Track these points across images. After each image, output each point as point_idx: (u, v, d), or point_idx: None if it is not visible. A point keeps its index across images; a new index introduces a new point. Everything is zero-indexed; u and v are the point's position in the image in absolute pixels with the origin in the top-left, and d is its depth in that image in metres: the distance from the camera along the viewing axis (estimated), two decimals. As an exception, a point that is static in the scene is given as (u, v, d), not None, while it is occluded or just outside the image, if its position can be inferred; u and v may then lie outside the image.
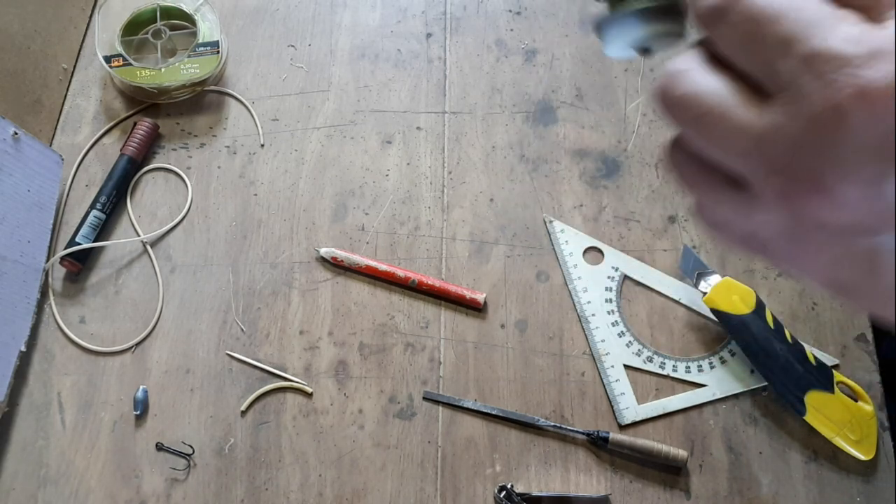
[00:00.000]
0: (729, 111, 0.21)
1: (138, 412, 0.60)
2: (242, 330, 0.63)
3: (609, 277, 0.64)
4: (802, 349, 0.58)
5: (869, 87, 0.18)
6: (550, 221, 0.67)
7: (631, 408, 0.60)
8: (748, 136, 0.20)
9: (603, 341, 0.62)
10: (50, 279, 0.65)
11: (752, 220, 0.22)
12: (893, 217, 0.19)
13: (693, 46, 0.24)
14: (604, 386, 0.61)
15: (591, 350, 0.62)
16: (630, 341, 0.62)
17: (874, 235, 0.20)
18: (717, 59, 0.22)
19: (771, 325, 0.58)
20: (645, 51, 0.30)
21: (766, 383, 0.60)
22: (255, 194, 0.68)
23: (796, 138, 0.19)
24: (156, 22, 0.73)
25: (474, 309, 0.64)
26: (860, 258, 0.21)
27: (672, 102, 0.22)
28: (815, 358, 0.58)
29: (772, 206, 0.21)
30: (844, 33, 0.19)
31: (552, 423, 0.59)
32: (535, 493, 0.57)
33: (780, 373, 0.58)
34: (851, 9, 0.20)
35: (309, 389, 0.61)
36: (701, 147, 0.23)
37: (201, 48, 0.71)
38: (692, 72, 0.22)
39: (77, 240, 0.64)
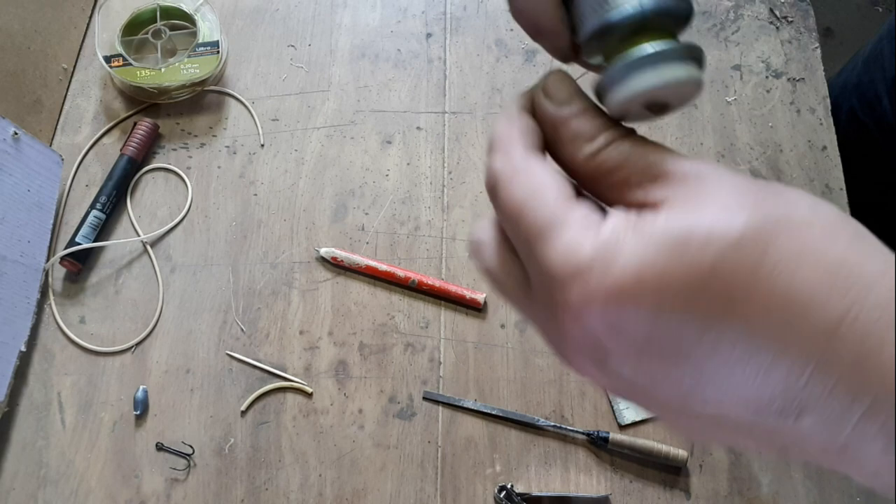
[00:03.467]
0: (509, 290, 0.24)
1: (138, 412, 0.60)
2: (242, 330, 0.63)
3: (609, 277, 0.64)
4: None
5: (571, 303, 0.20)
6: (550, 221, 0.67)
7: (631, 408, 0.60)
8: (525, 310, 0.24)
9: (603, 341, 0.62)
10: (50, 279, 0.65)
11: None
12: (624, 389, 0.22)
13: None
14: (604, 386, 0.61)
15: (591, 350, 0.62)
16: (630, 341, 0.62)
17: (625, 393, 0.23)
18: None
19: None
20: (660, 108, 0.25)
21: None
22: (255, 194, 0.68)
23: (544, 322, 0.22)
24: (156, 22, 0.73)
25: (474, 309, 0.64)
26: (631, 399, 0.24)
27: (477, 269, 0.25)
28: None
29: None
30: (559, 246, 0.20)
31: (552, 423, 0.59)
32: (535, 493, 0.57)
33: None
34: (602, 189, 0.22)
35: (309, 389, 0.61)
36: None
37: (201, 48, 0.71)
38: (483, 247, 0.25)
39: (77, 240, 0.64)
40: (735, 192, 0.20)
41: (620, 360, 0.20)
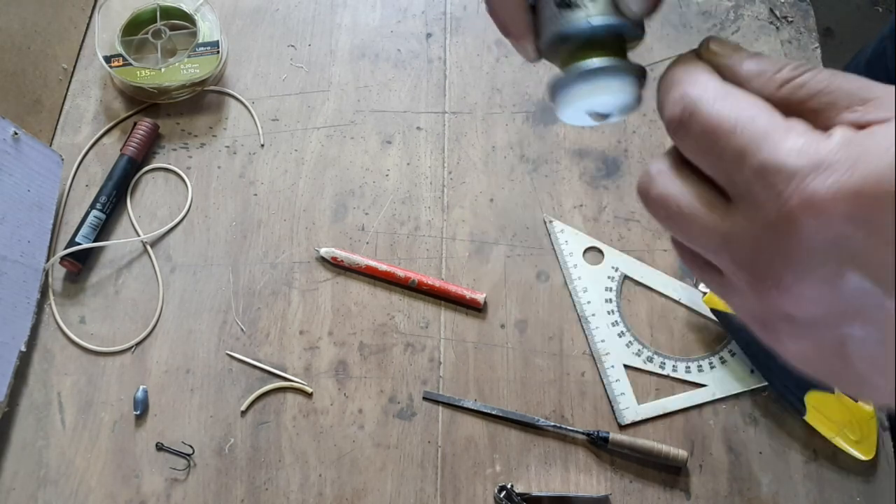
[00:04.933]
0: (696, 215, 0.23)
1: (138, 412, 0.60)
2: (242, 330, 0.63)
3: (609, 277, 0.64)
4: (802, 349, 0.58)
5: (814, 197, 0.19)
6: (550, 221, 0.67)
7: (631, 408, 0.60)
8: (715, 237, 0.22)
9: (603, 341, 0.62)
10: (50, 279, 0.65)
11: (732, 302, 0.24)
12: (853, 311, 0.20)
13: (669, 148, 0.25)
14: (604, 386, 0.61)
15: (591, 350, 0.62)
16: (630, 341, 0.62)
17: (839, 328, 0.21)
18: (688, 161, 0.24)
19: (771, 325, 0.58)
20: (601, 116, 0.28)
21: (766, 383, 0.60)
22: (255, 194, 0.68)
23: (756, 241, 0.21)
24: (156, 22, 0.73)
25: (474, 309, 0.64)
26: (829, 347, 0.22)
27: (648, 203, 0.25)
28: (815, 358, 0.58)
29: (744, 295, 0.23)
30: (791, 146, 0.20)
31: (552, 423, 0.59)
32: (535, 493, 0.57)
33: (780, 373, 0.58)
34: (801, 117, 0.21)
35: (309, 389, 0.61)
36: (680, 239, 0.25)
37: (201, 48, 0.71)
38: (663, 175, 0.24)
39: (77, 240, 0.64)
40: None
41: (866, 256, 0.19)
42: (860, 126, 0.20)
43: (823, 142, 0.20)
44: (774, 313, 0.22)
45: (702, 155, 0.23)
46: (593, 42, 0.27)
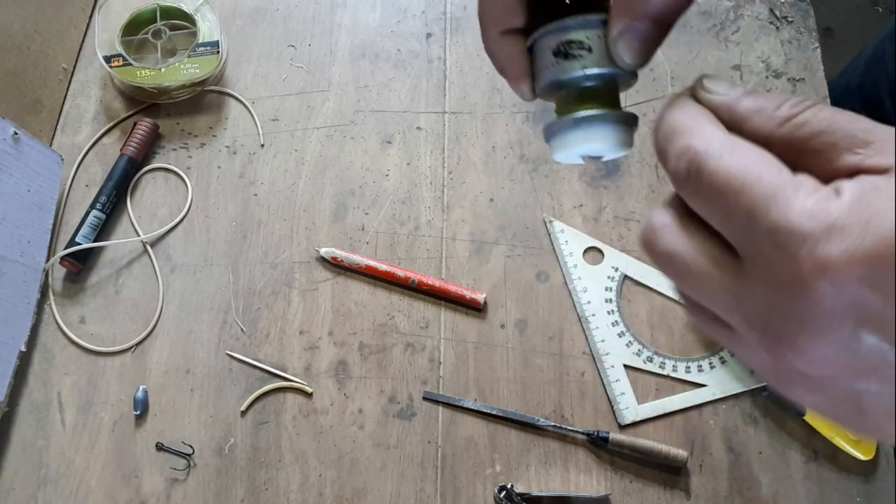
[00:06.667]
0: (705, 273, 0.22)
1: (138, 412, 0.60)
2: (242, 330, 0.63)
3: (609, 277, 0.64)
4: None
5: (828, 262, 0.19)
6: (550, 221, 0.67)
7: (631, 408, 0.60)
8: (725, 296, 0.22)
9: (603, 341, 0.62)
10: (50, 279, 0.65)
11: (742, 355, 0.24)
12: (868, 369, 0.20)
13: (672, 197, 0.24)
14: (604, 386, 0.61)
15: (591, 350, 0.62)
16: (630, 341, 0.62)
17: (854, 384, 0.21)
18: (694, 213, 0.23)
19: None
20: (593, 158, 0.29)
21: (766, 383, 0.60)
22: (255, 194, 0.69)
23: (768, 302, 0.20)
24: (156, 22, 0.73)
25: (474, 309, 0.64)
26: (844, 400, 0.22)
27: (653, 257, 0.24)
28: (815, 358, 0.58)
29: (756, 351, 0.22)
30: (801, 207, 0.19)
31: (552, 423, 0.59)
32: (535, 493, 0.57)
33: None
34: (802, 157, 0.21)
35: (309, 389, 0.61)
36: (688, 295, 0.24)
37: (201, 48, 0.71)
38: (668, 229, 0.23)
39: (77, 240, 0.64)
40: None
41: (881, 318, 0.19)
42: (861, 171, 0.20)
43: (834, 202, 0.19)
44: (788, 370, 0.22)
45: (710, 212, 0.22)
46: (588, 91, 0.28)
